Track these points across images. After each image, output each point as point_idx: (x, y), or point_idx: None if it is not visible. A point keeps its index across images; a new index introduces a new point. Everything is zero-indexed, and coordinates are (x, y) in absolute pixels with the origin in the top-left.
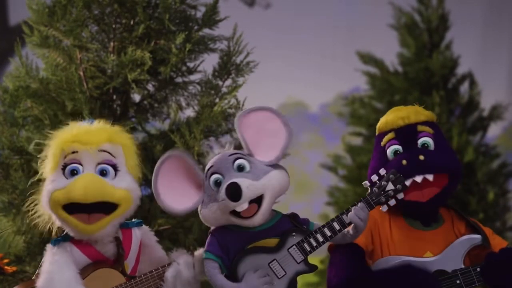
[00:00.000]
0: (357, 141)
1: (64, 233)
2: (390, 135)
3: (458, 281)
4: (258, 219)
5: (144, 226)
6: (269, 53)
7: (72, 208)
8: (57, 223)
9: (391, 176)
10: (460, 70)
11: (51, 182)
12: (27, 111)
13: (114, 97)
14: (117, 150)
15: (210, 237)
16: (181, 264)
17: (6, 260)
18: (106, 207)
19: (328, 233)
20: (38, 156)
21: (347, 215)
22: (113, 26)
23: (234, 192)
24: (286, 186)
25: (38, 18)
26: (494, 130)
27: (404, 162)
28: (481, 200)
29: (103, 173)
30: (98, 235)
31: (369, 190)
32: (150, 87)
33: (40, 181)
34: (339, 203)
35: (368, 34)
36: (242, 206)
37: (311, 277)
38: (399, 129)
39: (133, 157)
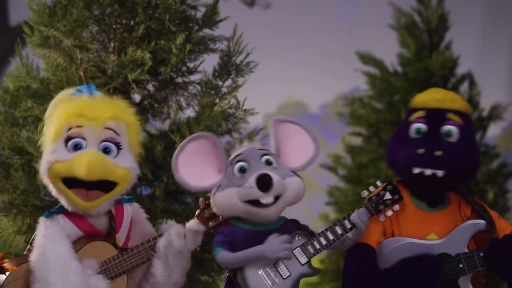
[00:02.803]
0: (357, 141)
1: (58, 205)
2: (420, 113)
3: (461, 265)
4: (273, 211)
5: (134, 203)
6: (269, 53)
7: (71, 182)
8: (53, 193)
9: (388, 186)
10: (460, 70)
11: (52, 152)
12: (27, 111)
13: (115, 97)
14: (121, 127)
15: (217, 235)
16: (173, 234)
17: (6, 260)
18: (106, 185)
19: (331, 237)
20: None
21: (348, 220)
22: (114, 26)
23: (266, 183)
24: (302, 195)
25: (39, 18)
26: (493, 130)
27: (421, 151)
28: (481, 200)
29: (106, 150)
30: (95, 211)
31: (366, 199)
32: (150, 87)
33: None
34: (339, 203)
35: (368, 34)
36: (268, 199)
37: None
38: (430, 110)
39: (136, 135)
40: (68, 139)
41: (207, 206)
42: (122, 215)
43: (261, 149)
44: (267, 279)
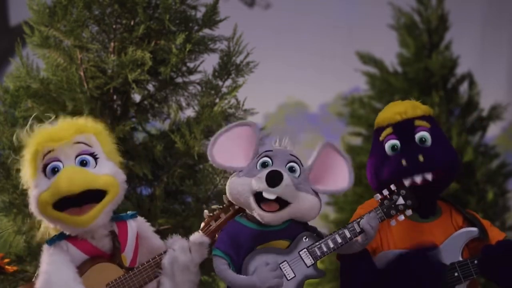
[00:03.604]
0: (357, 141)
1: (60, 232)
2: (388, 130)
3: (456, 274)
4: (269, 217)
5: (138, 217)
6: (269, 53)
7: (62, 205)
8: (51, 226)
9: (402, 191)
10: (460, 70)
11: (35, 187)
12: (27, 111)
13: (115, 97)
14: (91, 139)
15: (221, 233)
16: (177, 249)
17: (6, 260)
18: (95, 196)
19: (339, 240)
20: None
21: (358, 225)
22: (114, 26)
23: (274, 178)
24: (312, 216)
25: (39, 19)
26: (493, 130)
27: (404, 162)
28: (481, 200)
29: (83, 163)
30: (93, 226)
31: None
32: (150, 87)
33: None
34: (339, 203)
35: (367, 35)
36: (270, 195)
37: None
38: (396, 124)
39: (108, 143)
40: (44, 167)
41: (212, 218)
42: (126, 233)
43: (292, 155)
44: None
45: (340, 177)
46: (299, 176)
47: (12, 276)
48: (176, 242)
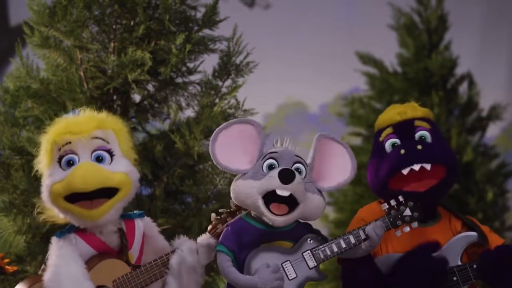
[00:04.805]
0: (357, 141)
1: (69, 225)
2: (388, 130)
3: (455, 278)
4: (281, 221)
5: (146, 217)
6: (269, 53)
7: (74, 198)
8: (60, 216)
9: (410, 203)
10: (459, 70)
11: (49, 176)
12: (27, 111)
13: (115, 97)
14: (109, 135)
15: (226, 230)
16: (185, 250)
17: (6, 260)
18: (107, 192)
19: (343, 245)
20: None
21: (363, 231)
22: (114, 26)
23: (288, 176)
24: (317, 215)
25: (39, 19)
26: (493, 130)
27: (402, 151)
28: (480, 200)
29: (99, 159)
30: (103, 221)
31: (386, 211)
32: (150, 87)
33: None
34: (339, 203)
35: (367, 35)
36: (284, 191)
37: None
38: (397, 124)
39: (126, 140)
40: (60, 158)
41: (219, 222)
42: (134, 231)
43: (297, 156)
44: None
45: (342, 166)
46: (305, 177)
47: (12, 276)
48: (184, 243)
